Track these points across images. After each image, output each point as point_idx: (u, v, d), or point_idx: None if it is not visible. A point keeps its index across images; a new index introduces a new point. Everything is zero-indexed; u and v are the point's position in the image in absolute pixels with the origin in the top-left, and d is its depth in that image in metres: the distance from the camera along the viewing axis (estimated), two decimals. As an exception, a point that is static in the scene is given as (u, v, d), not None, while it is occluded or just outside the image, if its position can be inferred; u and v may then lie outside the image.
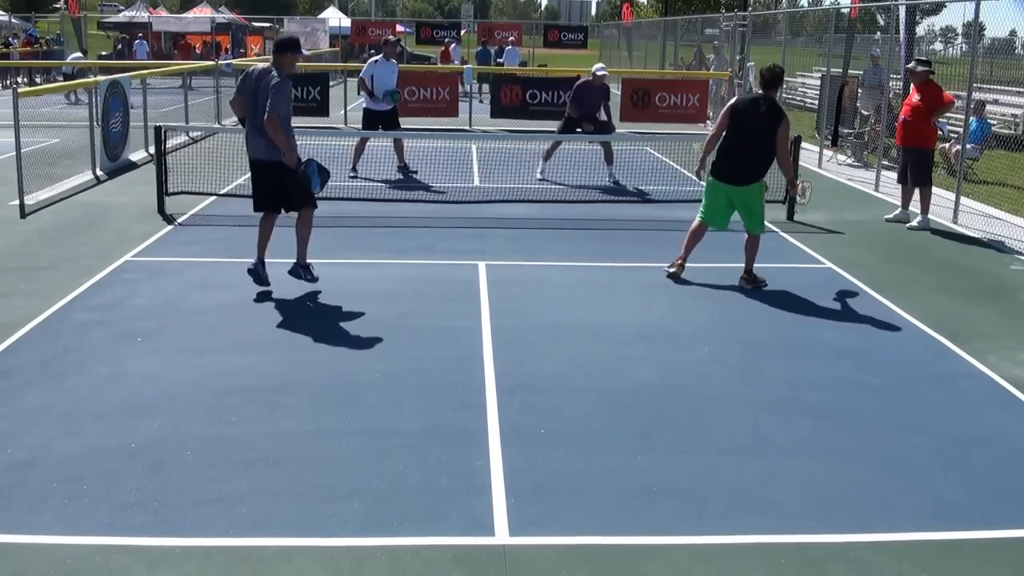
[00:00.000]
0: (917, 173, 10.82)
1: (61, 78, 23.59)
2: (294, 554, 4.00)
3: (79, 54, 25.66)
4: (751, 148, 7.98)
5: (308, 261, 7.69)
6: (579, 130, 12.88)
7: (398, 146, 13.55)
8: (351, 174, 12.87)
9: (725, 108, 8.36)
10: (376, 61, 13.18)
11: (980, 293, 8.22)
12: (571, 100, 13.08)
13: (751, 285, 8.18)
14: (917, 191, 10.90)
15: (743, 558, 4.06)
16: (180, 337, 6.59)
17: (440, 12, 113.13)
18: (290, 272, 7.65)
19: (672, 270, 8.36)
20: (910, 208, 11.07)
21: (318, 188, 7.56)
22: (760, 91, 8.18)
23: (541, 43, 40.98)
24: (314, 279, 7.68)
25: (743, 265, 8.47)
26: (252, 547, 4.04)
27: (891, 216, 11.20)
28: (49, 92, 18.06)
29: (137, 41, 33.17)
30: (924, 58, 11.74)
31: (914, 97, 10.82)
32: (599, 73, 13.10)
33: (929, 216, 10.79)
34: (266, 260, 7.67)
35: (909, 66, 11.29)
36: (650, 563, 4.00)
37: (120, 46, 31.69)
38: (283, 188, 7.49)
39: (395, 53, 13.44)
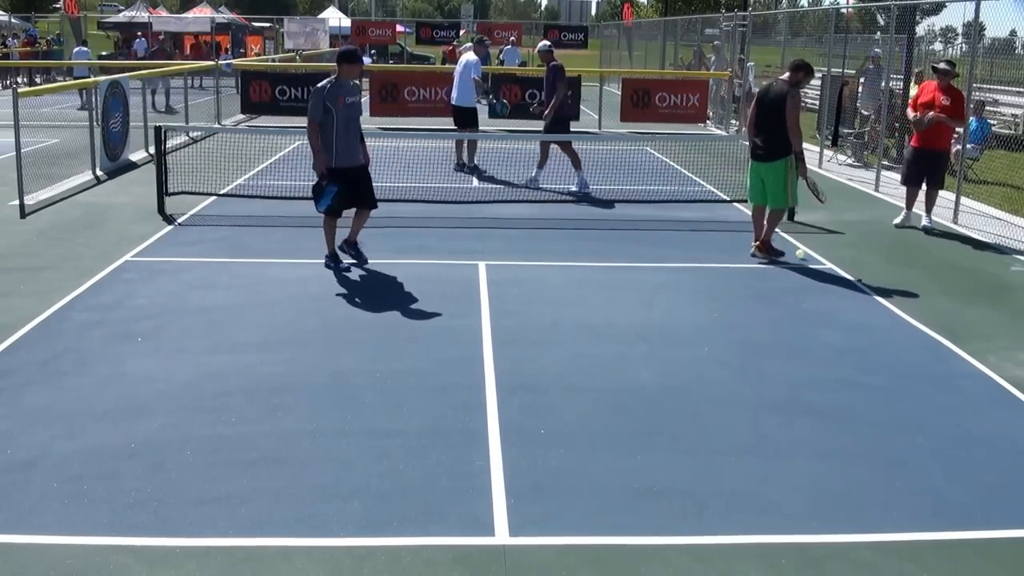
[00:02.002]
0: (936, 175, 10.66)
1: (63, 79, 23.53)
2: (294, 554, 4.00)
3: (80, 49, 25.16)
4: (767, 127, 8.81)
5: (336, 251, 8.47)
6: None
7: (471, 146, 14.16)
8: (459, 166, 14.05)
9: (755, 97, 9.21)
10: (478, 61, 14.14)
11: (980, 293, 8.22)
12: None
13: (763, 254, 8.86)
14: (923, 192, 10.73)
15: (743, 558, 4.05)
16: (180, 337, 6.59)
17: (440, 12, 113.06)
18: (339, 246, 8.51)
19: (752, 251, 9.12)
20: (914, 210, 10.94)
21: (322, 206, 8.07)
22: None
23: (541, 43, 40.89)
24: (357, 260, 8.49)
25: (745, 265, 8.49)
26: (252, 547, 4.04)
27: (899, 221, 10.95)
28: (49, 92, 18.05)
29: (137, 41, 33.17)
30: (953, 62, 11.26)
31: (942, 99, 10.48)
32: (539, 50, 13.22)
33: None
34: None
35: (940, 65, 10.86)
36: (650, 563, 4.00)
37: (136, 48, 31.48)
38: (356, 188, 8.22)
39: (485, 51, 14.11)
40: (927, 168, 10.69)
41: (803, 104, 9.33)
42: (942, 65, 10.87)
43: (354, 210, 8.45)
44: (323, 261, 8.41)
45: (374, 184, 8.57)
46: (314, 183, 8.13)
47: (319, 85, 8.07)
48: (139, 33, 34.44)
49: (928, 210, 10.76)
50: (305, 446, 4.97)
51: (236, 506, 4.34)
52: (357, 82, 8.50)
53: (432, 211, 10.91)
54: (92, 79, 15.79)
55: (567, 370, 6.14)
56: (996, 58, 18.84)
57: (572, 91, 18.85)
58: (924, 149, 10.70)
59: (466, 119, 13.97)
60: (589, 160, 13.96)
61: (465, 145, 14.14)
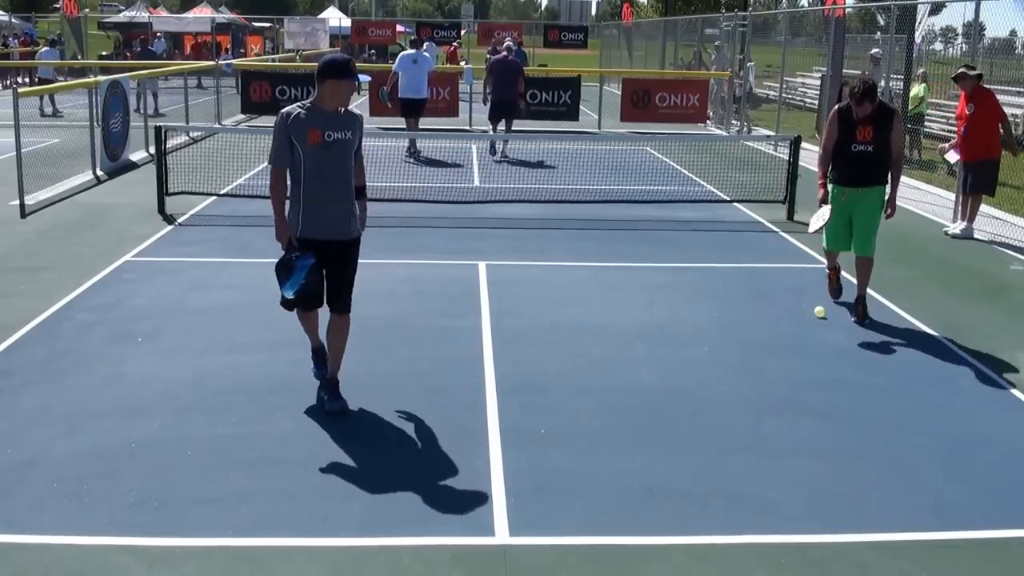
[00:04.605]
0: (981, 182, 10.25)
1: (63, 79, 23.32)
2: (294, 554, 4.00)
3: (47, 49, 23.80)
4: None
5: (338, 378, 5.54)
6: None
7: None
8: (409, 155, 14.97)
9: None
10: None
11: (980, 293, 8.22)
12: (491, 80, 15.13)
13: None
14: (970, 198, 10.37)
15: (743, 558, 4.05)
16: (180, 337, 6.59)
17: (440, 12, 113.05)
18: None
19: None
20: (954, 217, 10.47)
21: (290, 290, 5.27)
22: None
23: (541, 43, 40.97)
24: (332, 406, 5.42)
25: (745, 265, 8.48)
26: (252, 547, 4.04)
27: (957, 231, 10.41)
28: (49, 92, 18.05)
29: (158, 40, 33.26)
30: (972, 64, 10.66)
31: (966, 109, 10.09)
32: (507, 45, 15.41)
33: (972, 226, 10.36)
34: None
35: (961, 71, 10.22)
36: (650, 563, 4.00)
37: (140, 48, 31.35)
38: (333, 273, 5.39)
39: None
40: (971, 175, 10.26)
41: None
42: (961, 70, 10.26)
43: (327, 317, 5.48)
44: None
45: (372, 187, 6.01)
46: (280, 258, 5.29)
47: (282, 111, 5.16)
48: (159, 33, 34.46)
49: (970, 218, 10.34)
50: (305, 446, 4.97)
51: (236, 506, 4.34)
52: (350, 109, 5.26)
53: (432, 211, 10.90)
54: (93, 79, 15.75)
55: (567, 370, 6.14)
56: (996, 58, 18.84)
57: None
58: (968, 162, 10.27)
59: (420, 110, 15.28)
60: (590, 160, 13.97)
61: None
